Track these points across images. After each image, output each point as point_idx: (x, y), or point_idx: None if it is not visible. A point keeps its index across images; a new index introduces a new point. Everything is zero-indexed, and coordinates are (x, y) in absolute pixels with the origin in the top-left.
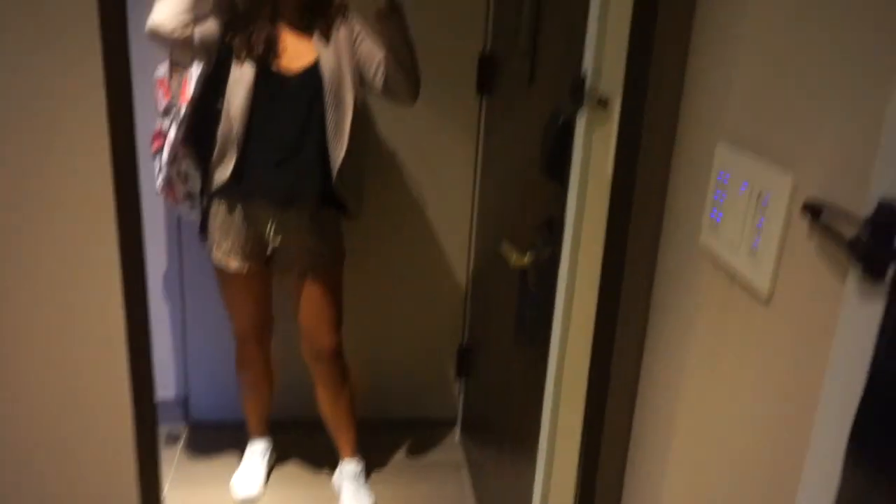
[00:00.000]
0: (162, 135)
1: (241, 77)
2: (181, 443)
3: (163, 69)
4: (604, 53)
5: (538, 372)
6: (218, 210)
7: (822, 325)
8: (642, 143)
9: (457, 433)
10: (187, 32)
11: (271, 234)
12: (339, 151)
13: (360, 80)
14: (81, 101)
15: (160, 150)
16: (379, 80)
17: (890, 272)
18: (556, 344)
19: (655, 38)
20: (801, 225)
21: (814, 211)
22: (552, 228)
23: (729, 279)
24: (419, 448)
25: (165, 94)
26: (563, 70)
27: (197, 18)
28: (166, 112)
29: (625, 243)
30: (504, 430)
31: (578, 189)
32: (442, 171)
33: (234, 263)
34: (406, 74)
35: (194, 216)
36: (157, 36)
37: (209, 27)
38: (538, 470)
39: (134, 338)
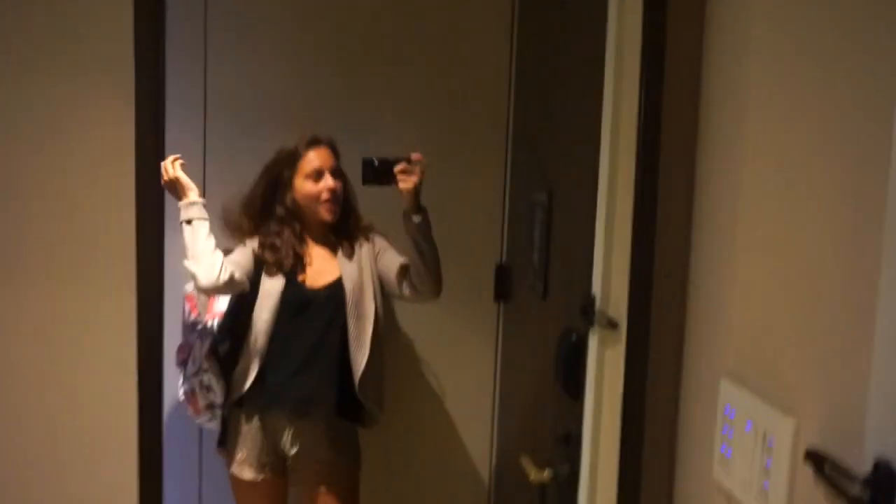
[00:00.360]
0: (187, 347)
1: (271, 291)
2: None
3: (191, 286)
4: (610, 278)
5: None
6: (237, 420)
7: None
8: (650, 370)
9: None
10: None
11: (287, 443)
12: (361, 360)
13: (383, 291)
14: (112, 328)
15: (185, 361)
16: (404, 283)
17: None
18: None
19: (655, 270)
20: (808, 471)
21: (816, 461)
22: (570, 444)
23: None
24: None
25: (192, 308)
26: (574, 288)
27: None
28: (193, 326)
29: (639, 470)
30: None
31: (594, 408)
32: (461, 379)
33: (248, 473)
34: (429, 270)
35: (213, 426)
36: (208, 291)
37: (245, 261)
38: None
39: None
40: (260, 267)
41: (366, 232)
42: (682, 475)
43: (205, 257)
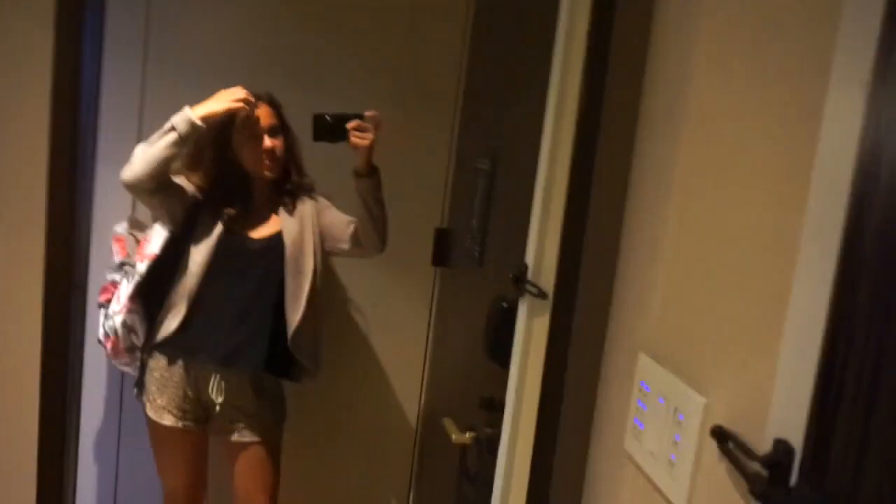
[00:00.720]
0: (111, 288)
1: (208, 237)
2: None
3: (121, 227)
4: (543, 249)
5: None
6: (157, 364)
7: None
8: (574, 339)
9: None
10: (154, 187)
11: (213, 392)
12: (295, 316)
13: (322, 249)
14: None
15: (107, 302)
16: (347, 239)
17: None
18: None
19: (586, 244)
20: (714, 447)
21: (721, 437)
22: (493, 409)
23: (651, 489)
24: None
25: (121, 250)
26: (508, 257)
27: (165, 184)
28: (120, 267)
29: (556, 435)
30: None
31: (518, 375)
32: (394, 340)
33: (168, 420)
34: (376, 228)
35: (133, 370)
36: (131, 188)
37: (182, 190)
38: None
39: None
40: (198, 211)
41: (309, 190)
42: (597, 444)
43: (156, 154)
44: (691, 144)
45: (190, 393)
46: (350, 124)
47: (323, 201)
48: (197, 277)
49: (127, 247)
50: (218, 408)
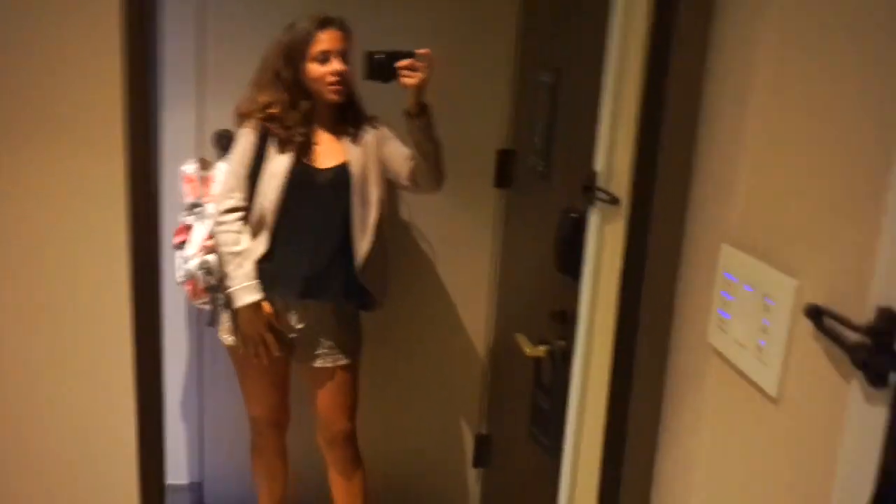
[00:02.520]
0: (185, 229)
1: (277, 170)
2: None
3: (191, 167)
4: (614, 152)
5: (553, 467)
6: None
7: (830, 427)
8: (651, 241)
9: None
10: None
11: (293, 323)
12: (363, 246)
13: (386, 178)
14: (102, 197)
15: (182, 244)
16: (405, 174)
17: (892, 379)
18: (570, 440)
19: (662, 140)
20: (807, 326)
21: (815, 315)
22: (565, 321)
23: (738, 378)
24: None
25: (192, 190)
26: (576, 167)
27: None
28: (191, 208)
29: (634, 341)
30: None
31: (591, 284)
32: (461, 262)
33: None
34: (431, 169)
35: (213, 308)
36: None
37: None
38: None
39: (145, 425)
40: (264, 148)
41: (371, 120)
42: (678, 342)
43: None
44: (780, 18)
45: (273, 323)
46: (401, 63)
47: (385, 131)
48: (272, 215)
49: (198, 187)
50: (300, 336)
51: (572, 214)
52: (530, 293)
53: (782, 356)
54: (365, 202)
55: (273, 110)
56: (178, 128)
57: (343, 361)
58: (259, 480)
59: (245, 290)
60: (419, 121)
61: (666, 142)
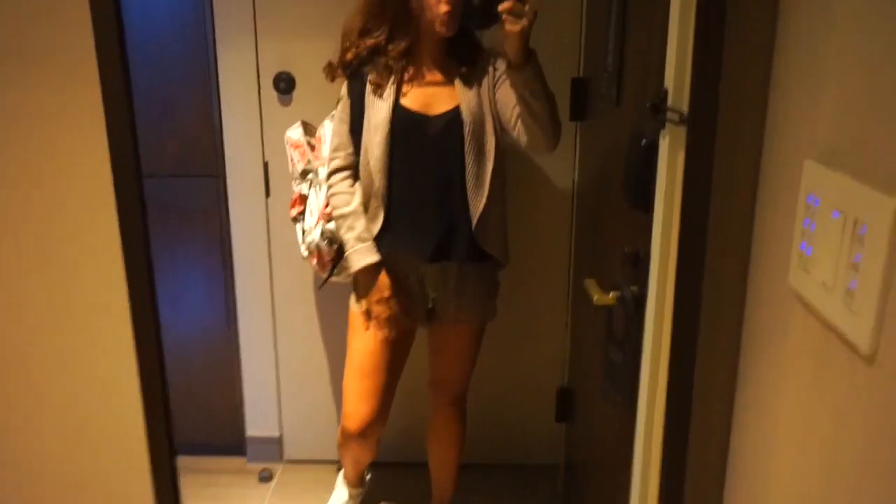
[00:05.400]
0: (301, 199)
1: (380, 121)
2: (273, 482)
3: (296, 132)
4: (685, 68)
5: (628, 421)
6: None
7: None
8: (720, 163)
9: (559, 480)
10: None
11: (427, 289)
12: (478, 202)
13: (501, 127)
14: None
15: (301, 214)
16: (517, 128)
17: None
18: (644, 394)
19: (727, 46)
20: None
21: None
22: (637, 264)
23: (823, 329)
24: (519, 495)
25: (302, 156)
26: (647, 88)
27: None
28: (304, 175)
29: (700, 280)
30: (602, 479)
31: (664, 219)
32: (540, 204)
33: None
34: (540, 126)
35: (342, 279)
36: None
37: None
38: None
39: (148, 389)
40: (363, 97)
41: (486, 54)
42: (756, 288)
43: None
44: None
45: (401, 290)
46: (502, 6)
47: (501, 66)
48: (381, 175)
49: (307, 153)
50: (428, 300)
51: (642, 140)
52: (603, 234)
53: (877, 302)
54: (479, 153)
55: (374, 40)
56: (236, 73)
57: (468, 322)
58: (343, 457)
59: (358, 253)
60: (525, 71)
61: (735, 52)
